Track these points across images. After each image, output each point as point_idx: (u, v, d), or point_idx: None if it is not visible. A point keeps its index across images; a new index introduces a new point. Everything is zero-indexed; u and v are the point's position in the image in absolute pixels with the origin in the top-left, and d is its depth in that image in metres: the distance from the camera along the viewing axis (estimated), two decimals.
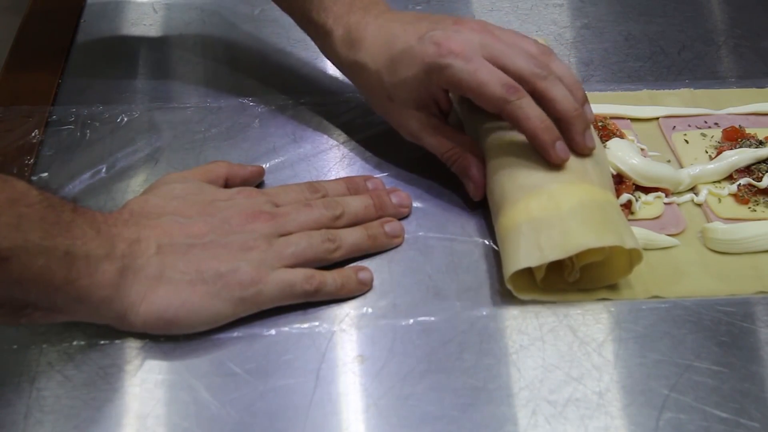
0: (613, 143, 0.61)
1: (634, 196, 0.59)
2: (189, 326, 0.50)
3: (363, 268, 0.54)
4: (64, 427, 0.46)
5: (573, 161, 0.55)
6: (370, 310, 0.53)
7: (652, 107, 0.68)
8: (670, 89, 0.70)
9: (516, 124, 0.55)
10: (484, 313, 0.52)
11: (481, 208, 0.59)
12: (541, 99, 0.55)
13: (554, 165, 0.54)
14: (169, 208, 0.52)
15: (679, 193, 0.61)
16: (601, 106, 0.66)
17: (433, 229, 0.58)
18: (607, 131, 0.63)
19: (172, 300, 0.49)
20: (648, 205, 0.59)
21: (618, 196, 0.57)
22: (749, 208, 0.59)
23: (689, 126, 0.66)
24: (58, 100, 0.69)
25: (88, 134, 0.65)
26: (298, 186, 0.58)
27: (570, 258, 0.51)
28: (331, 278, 0.53)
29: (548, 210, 0.52)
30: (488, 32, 0.56)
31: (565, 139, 0.55)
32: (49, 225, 0.45)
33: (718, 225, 0.57)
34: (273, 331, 0.51)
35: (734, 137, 0.63)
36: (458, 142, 0.58)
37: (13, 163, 0.62)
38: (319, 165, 0.63)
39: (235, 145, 0.65)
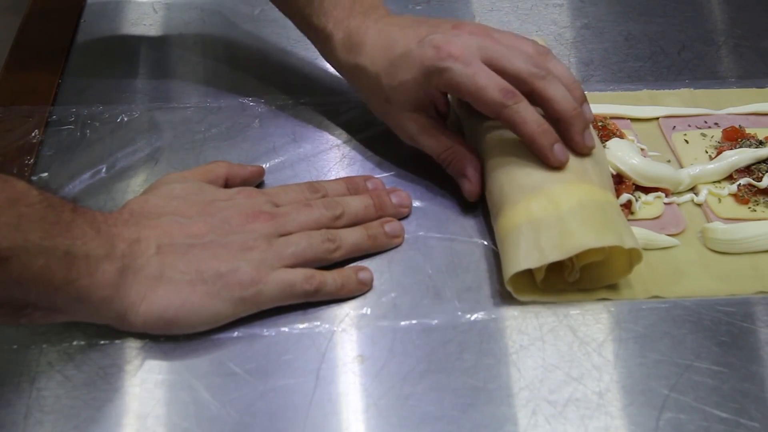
0: (613, 143, 0.61)
1: (634, 196, 0.59)
2: (189, 326, 0.50)
3: (363, 268, 0.54)
4: (64, 427, 0.46)
5: (572, 161, 0.55)
6: (370, 310, 0.53)
7: (652, 107, 0.68)
8: (670, 89, 0.70)
9: (513, 129, 0.55)
10: (484, 313, 0.52)
11: (482, 208, 0.59)
12: (539, 99, 0.55)
13: (553, 167, 0.54)
14: (169, 208, 0.52)
15: (679, 193, 0.61)
16: (601, 106, 0.66)
17: (433, 229, 0.58)
18: (607, 131, 0.63)
19: (172, 300, 0.49)
20: (648, 205, 0.59)
21: (618, 196, 0.57)
22: (749, 208, 0.59)
23: (689, 126, 0.66)
24: (58, 100, 0.69)
25: (88, 134, 0.65)
26: (298, 186, 0.58)
27: (570, 258, 0.51)
28: (331, 278, 0.53)
29: (548, 210, 0.52)
30: (486, 35, 0.56)
31: (564, 138, 0.55)
32: (49, 225, 0.45)
33: (718, 225, 0.57)
34: (273, 331, 0.51)
35: (734, 137, 0.63)
36: (454, 144, 0.59)
37: (13, 163, 0.62)
38: (319, 165, 0.63)
39: (235, 145, 0.65)
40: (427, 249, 0.57)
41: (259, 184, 0.61)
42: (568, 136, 0.55)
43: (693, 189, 0.61)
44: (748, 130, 0.64)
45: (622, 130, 0.64)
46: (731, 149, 0.62)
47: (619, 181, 0.59)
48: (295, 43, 0.74)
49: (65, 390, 0.48)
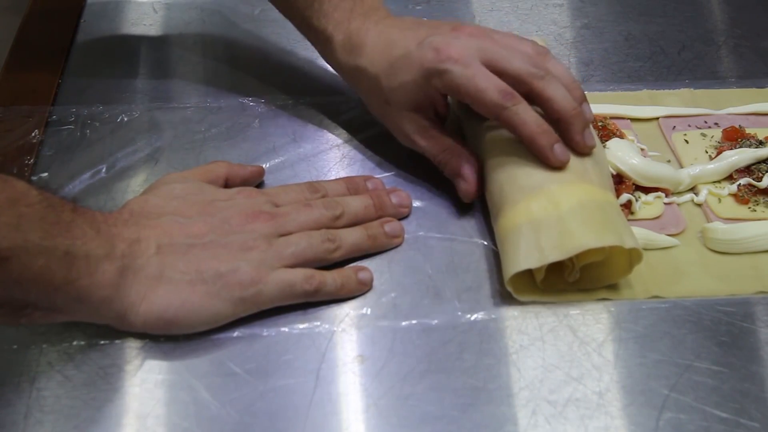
0: (613, 143, 0.61)
1: (634, 196, 0.59)
2: (189, 326, 0.50)
3: (363, 268, 0.54)
4: (64, 427, 0.46)
5: (572, 161, 0.55)
6: (370, 310, 0.53)
7: (652, 107, 0.68)
8: (670, 89, 0.70)
9: (513, 130, 0.55)
10: (484, 313, 0.52)
11: (482, 208, 0.59)
12: (538, 99, 0.55)
13: (554, 167, 0.54)
14: (169, 208, 0.52)
15: (679, 193, 0.61)
16: (601, 106, 0.66)
17: (433, 229, 0.58)
18: (607, 131, 0.63)
19: (172, 300, 0.49)
20: (648, 205, 0.59)
21: (618, 196, 0.57)
22: (749, 208, 0.59)
23: (689, 126, 0.66)
24: (58, 100, 0.69)
25: (88, 134, 0.65)
26: (298, 186, 0.58)
27: (570, 258, 0.51)
28: (331, 278, 0.53)
29: (548, 210, 0.52)
30: (485, 37, 0.57)
31: (564, 138, 0.55)
32: (49, 225, 0.45)
33: (718, 225, 0.57)
34: (273, 331, 0.51)
35: (734, 137, 0.63)
36: (451, 145, 0.59)
37: (13, 163, 0.62)
38: (319, 165, 0.63)
39: (235, 145, 0.65)
40: (427, 249, 0.57)
41: (259, 184, 0.61)
42: (568, 136, 0.55)
43: (693, 189, 0.61)
44: (748, 130, 0.64)
45: (622, 130, 0.64)
46: (731, 149, 0.62)
47: (619, 181, 0.59)
48: (295, 43, 0.74)
49: (65, 390, 0.48)
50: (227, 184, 0.58)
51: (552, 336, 0.51)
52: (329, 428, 0.47)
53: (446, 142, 0.59)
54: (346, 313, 0.53)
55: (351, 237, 0.55)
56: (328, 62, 0.64)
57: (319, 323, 0.52)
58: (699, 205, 0.60)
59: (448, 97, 0.61)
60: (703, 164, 0.61)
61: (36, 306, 0.46)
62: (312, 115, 0.68)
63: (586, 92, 0.58)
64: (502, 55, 0.55)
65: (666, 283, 0.54)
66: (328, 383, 0.49)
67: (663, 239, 0.57)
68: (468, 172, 0.58)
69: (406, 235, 0.57)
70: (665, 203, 0.59)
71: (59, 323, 0.50)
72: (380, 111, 0.62)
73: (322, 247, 0.53)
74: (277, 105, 0.69)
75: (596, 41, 0.76)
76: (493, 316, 0.52)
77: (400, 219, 0.58)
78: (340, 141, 0.66)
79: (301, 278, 0.52)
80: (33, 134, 0.65)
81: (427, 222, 0.59)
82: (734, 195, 0.60)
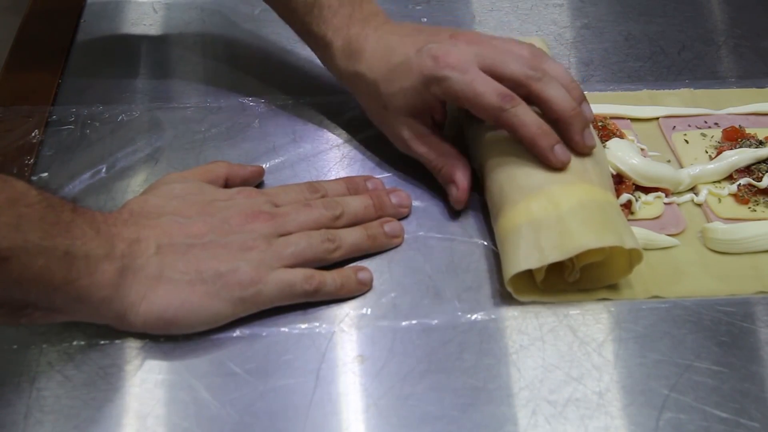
0: (613, 143, 0.61)
1: (634, 196, 0.59)
2: (188, 326, 0.50)
3: (363, 268, 0.54)
4: (64, 427, 0.46)
5: (572, 161, 0.55)
6: (369, 310, 0.53)
7: (652, 107, 0.68)
8: (670, 89, 0.70)
9: (513, 132, 0.55)
10: (484, 313, 0.52)
11: (482, 208, 0.59)
12: (537, 100, 0.55)
13: (555, 168, 0.54)
14: (168, 208, 0.52)
15: (679, 193, 0.61)
16: (601, 106, 0.66)
17: (433, 229, 0.58)
18: (607, 131, 0.63)
19: (171, 300, 0.49)
20: (648, 205, 0.59)
21: (618, 196, 0.57)
22: (749, 208, 0.59)
23: (689, 126, 0.66)
24: (58, 100, 0.69)
25: (88, 134, 0.65)
26: (298, 186, 0.58)
27: (570, 258, 0.51)
28: (331, 278, 0.53)
29: (548, 211, 0.52)
30: (483, 43, 0.57)
31: (564, 139, 0.55)
32: (49, 225, 0.45)
33: (718, 225, 0.57)
34: (273, 331, 0.51)
35: (734, 137, 0.63)
36: (447, 152, 0.59)
37: (13, 163, 0.62)
38: (319, 165, 0.63)
39: (235, 145, 0.65)
40: (427, 249, 0.57)
41: (259, 184, 0.61)
42: (568, 136, 0.55)
43: (693, 189, 0.61)
44: (748, 130, 0.64)
45: (622, 130, 0.64)
46: (731, 149, 0.62)
47: (619, 181, 0.59)
48: (295, 43, 0.74)
49: (65, 390, 0.48)
50: (227, 184, 0.58)
51: (552, 336, 0.51)
52: (329, 428, 0.47)
53: (442, 148, 0.59)
54: (346, 313, 0.53)
55: (351, 237, 0.55)
56: (327, 68, 0.65)
57: (319, 323, 0.52)
58: (699, 205, 0.60)
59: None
60: (703, 164, 0.61)
61: (36, 306, 0.46)
62: (312, 115, 0.68)
63: (586, 92, 0.58)
64: (500, 59, 0.56)
65: (666, 283, 0.54)
66: (328, 383, 0.49)
67: (663, 239, 0.57)
68: (461, 179, 0.58)
69: (406, 235, 0.57)
70: (665, 203, 0.59)
71: (59, 323, 0.50)
72: (378, 116, 0.62)
73: (321, 247, 0.53)
74: (277, 105, 0.69)
75: (596, 41, 0.76)
76: (493, 316, 0.52)
77: (400, 219, 0.58)
78: (340, 141, 0.66)
79: (301, 278, 0.52)
80: (33, 134, 0.65)
81: (427, 222, 0.59)
82: (734, 195, 0.60)
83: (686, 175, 0.61)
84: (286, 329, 0.51)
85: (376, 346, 0.51)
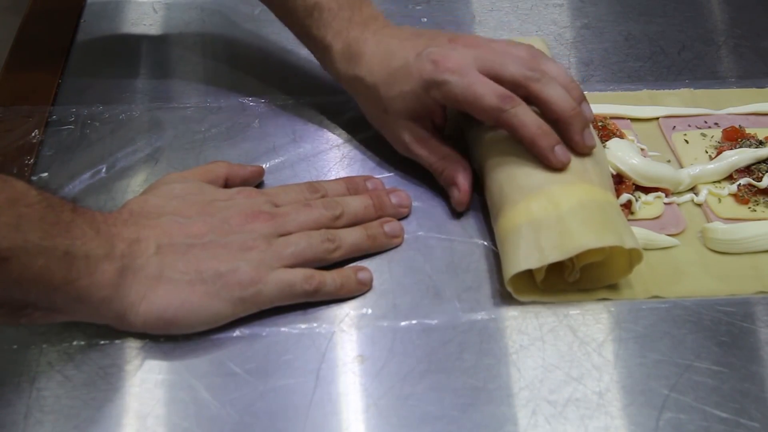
0: (613, 143, 0.61)
1: (634, 196, 0.59)
2: (188, 326, 0.50)
3: (362, 268, 0.54)
4: (64, 427, 0.46)
5: (572, 161, 0.55)
6: (370, 310, 0.53)
7: (652, 107, 0.68)
8: (670, 89, 0.70)
9: (514, 133, 0.55)
10: (484, 313, 0.52)
11: (482, 208, 0.59)
12: (537, 101, 0.55)
13: (555, 169, 0.54)
14: (168, 208, 0.52)
15: (679, 193, 0.61)
16: (601, 106, 0.66)
17: (433, 229, 0.58)
18: (607, 131, 0.63)
19: (171, 300, 0.49)
20: (648, 205, 0.59)
21: (618, 196, 0.57)
22: (749, 208, 0.59)
23: (689, 126, 0.66)
24: (58, 100, 0.69)
25: (88, 134, 0.65)
26: (297, 186, 0.58)
27: (570, 258, 0.51)
28: (331, 278, 0.53)
29: (548, 211, 0.52)
30: (481, 46, 0.57)
31: (564, 139, 0.55)
32: (49, 225, 0.45)
33: (718, 225, 0.57)
34: (273, 331, 0.51)
35: (734, 137, 0.63)
36: (448, 154, 0.59)
37: (13, 163, 0.62)
38: (319, 165, 0.63)
39: (235, 145, 0.65)
40: (427, 249, 0.57)
41: (259, 184, 0.61)
42: (568, 136, 0.55)
43: (693, 189, 0.61)
44: (748, 130, 0.64)
45: (622, 130, 0.64)
46: (731, 149, 0.62)
47: (619, 181, 0.59)
48: (295, 43, 0.74)
49: (65, 390, 0.48)
50: (227, 184, 0.58)
51: (552, 336, 0.51)
52: (329, 428, 0.47)
53: (443, 151, 0.59)
54: (346, 313, 0.53)
55: (351, 237, 0.55)
56: (327, 71, 0.65)
57: (318, 323, 0.52)
58: (699, 205, 0.60)
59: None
60: (703, 164, 0.61)
61: (36, 306, 0.46)
62: (312, 115, 0.68)
63: (586, 92, 0.58)
64: (498, 61, 0.56)
65: (666, 283, 0.54)
66: (328, 383, 0.49)
67: (663, 239, 0.57)
68: (462, 181, 0.58)
69: (406, 235, 0.57)
70: (665, 203, 0.59)
71: (59, 323, 0.50)
72: (378, 120, 0.62)
73: (321, 247, 0.53)
74: (277, 105, 0.69)
75: (596, 41, 0.76)
76: (493, 316, 0.52)
77: (399, 219, 0.58)
78: (340, 141, 0.66)
79: (301, 278, 0.52)
80: (33, 134, 0.65)
81: (427, 222, 0.59)
82: (734, 195, 0.60)
83: (686, 175, 0.61)
84: (286, 329, 0.51)
85: (376, 346, 0.51)
